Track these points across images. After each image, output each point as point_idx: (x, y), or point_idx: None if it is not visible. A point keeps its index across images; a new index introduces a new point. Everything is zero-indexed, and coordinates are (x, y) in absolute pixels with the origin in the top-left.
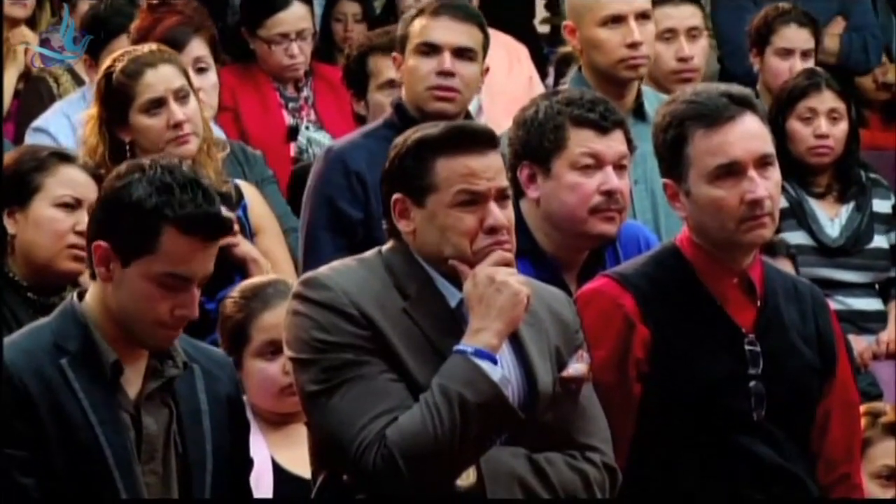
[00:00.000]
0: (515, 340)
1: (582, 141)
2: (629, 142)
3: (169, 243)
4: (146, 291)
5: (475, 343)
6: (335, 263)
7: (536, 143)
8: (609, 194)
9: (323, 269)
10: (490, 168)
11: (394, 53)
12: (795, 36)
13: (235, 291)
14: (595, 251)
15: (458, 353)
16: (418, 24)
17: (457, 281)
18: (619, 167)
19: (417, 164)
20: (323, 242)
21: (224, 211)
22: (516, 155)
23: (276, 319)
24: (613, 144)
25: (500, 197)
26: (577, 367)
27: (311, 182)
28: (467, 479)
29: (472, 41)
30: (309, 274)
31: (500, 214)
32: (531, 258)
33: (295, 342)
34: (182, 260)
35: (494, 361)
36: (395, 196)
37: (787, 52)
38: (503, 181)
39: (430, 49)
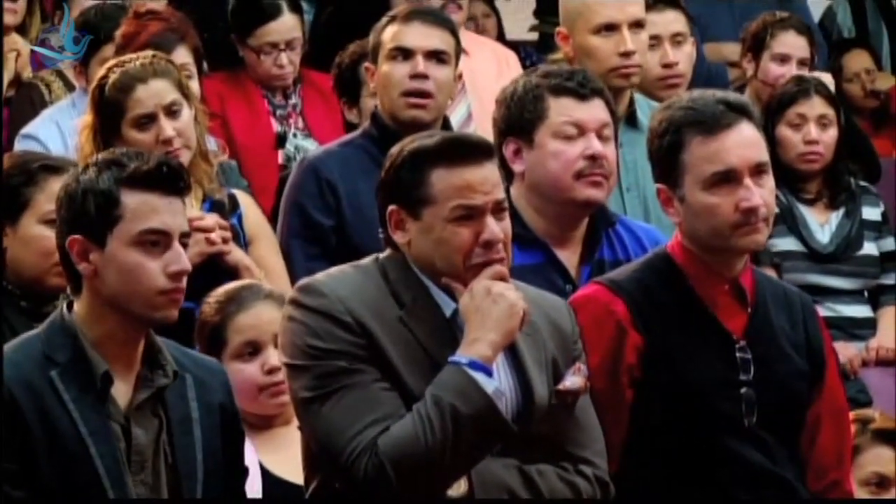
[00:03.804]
0: (512, 351)
1: (562, 110)
2: (611, 112)
3: (131, 203)
4: (131, 261)
5: (470, 354)
6: (332, 270)
7: (518, 117)
8: (593, 158)
9: (319, 276)
10: (487, 181)
11: (366, 64)
12: (794, 42)
13: (211, 297)
14: (592, 231)
15: (453, 363)
16: (390, 30)
17: (452, 291)
18: (603, 136)
19: (413, 176)
20: (295, 250)
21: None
22: (500, 133)
23: (252, 320)
24: (594, 111)
25: (497, 210)
26: (573, 379)
27: (286, 191)
28: (459, 488)
29: (444, 44)
30: (305, 280)
31: (497, 228)
32: (520, 242)
33: (289, 348)
34: (150, 214)
35: (489, 373)
36: (391, 208)
37: (784, 59)
38: (500, 193)
39: (402, 53)
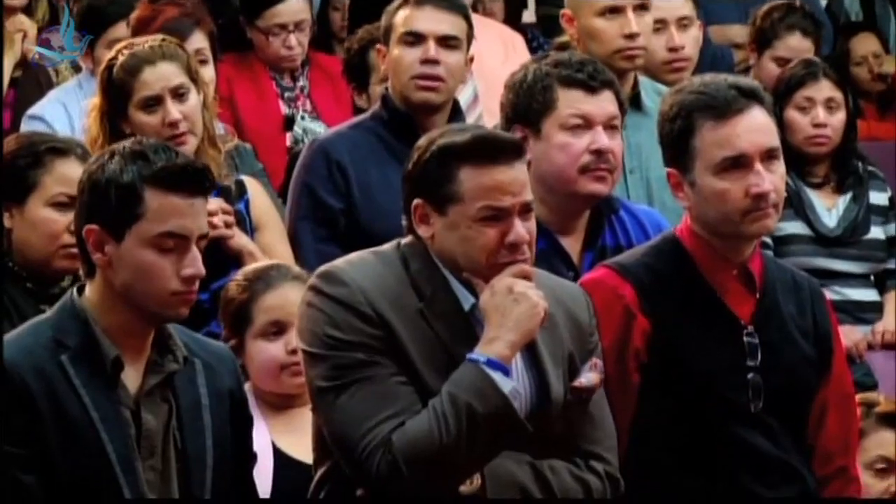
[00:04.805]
0: (530, 348)
1: (570, 101)
2: (620, 103)
3: (153, 203)
4: (146, 260)
5: (488, 352)
6: (352, 257)
7: (526, 106)
8: (599, 153)
9: (340, 263)
10: (515, 181)
11: (378, 45)
12: (798, 46)
13: (239, 275)
14: (595, 218)
15: (471, 361)
16: (402, 14)
17: (472, 285)
18: (611, 127)
19: (440, 172)
20: (304, 232)
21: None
22: (507, 119)
23: (278, 300)
24: (603, 104)
25: (524, 211)
26: (589, 376)
27: (295, 173)
28: (471, 484)
29: (455, 30)
30: (326, 267)
31: (523, 230)
32: None
33: (307, 334)
34: (171, 216)
35: (507, 372)
36: (416, 201)
37: (786, 62)
38: (528, 195)
39: (414, 38)
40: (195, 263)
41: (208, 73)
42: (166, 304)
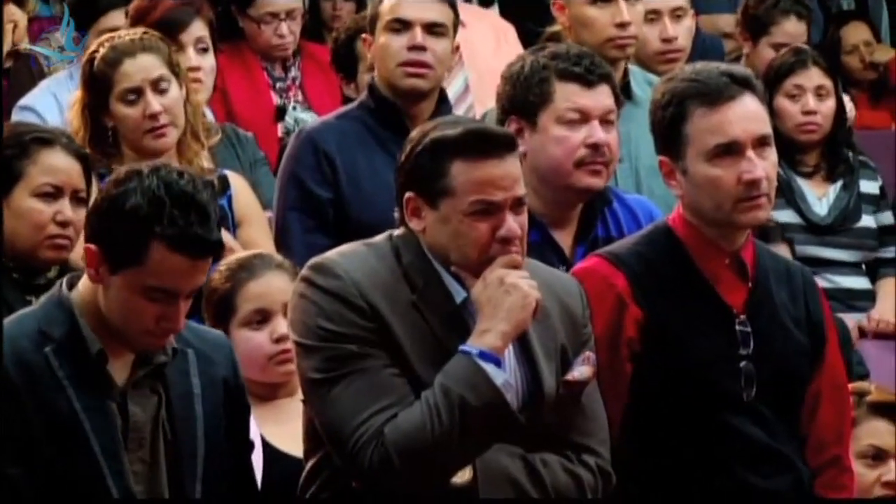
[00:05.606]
0: (522, 340)
1: (567, 95)
2: (616, 96)
3: (156, 257)
4: (131, 301)
5: (480, 344)
6: (344, 249)
7: (522, 98)
8: (595, 147)
9: (332, 255)
10: (508, 175)
11: (363, 35)
12: (795, 30)
13: (222, 265)
14: (588, 211)
15: (463, 353)
16: (388, 2)
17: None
18: (606, 121)
19: (433, 165)
20: (292, 223)
21: (216, 232)
22: (504, 110)
23: (262, 288)
24: (599, 98)
25: (516, 205)
26: (581, 370)
27: (283, 163)
28: (463, 476)
29: (442, 17)
30: (318, 258)
31: (514, 224)
32: None
33: (300, 326)
34: (168, 275)
35: (499, 364)
36: (408, 194)
37: (783, 47)
38: (520, 189)
39: (400, 25)
40: (175, 318)
41: (209, 61)
42: (138, 341)
